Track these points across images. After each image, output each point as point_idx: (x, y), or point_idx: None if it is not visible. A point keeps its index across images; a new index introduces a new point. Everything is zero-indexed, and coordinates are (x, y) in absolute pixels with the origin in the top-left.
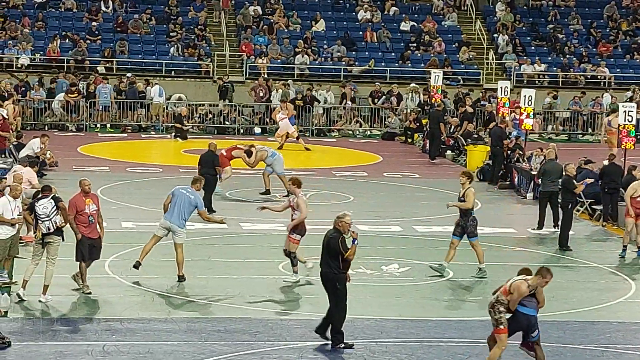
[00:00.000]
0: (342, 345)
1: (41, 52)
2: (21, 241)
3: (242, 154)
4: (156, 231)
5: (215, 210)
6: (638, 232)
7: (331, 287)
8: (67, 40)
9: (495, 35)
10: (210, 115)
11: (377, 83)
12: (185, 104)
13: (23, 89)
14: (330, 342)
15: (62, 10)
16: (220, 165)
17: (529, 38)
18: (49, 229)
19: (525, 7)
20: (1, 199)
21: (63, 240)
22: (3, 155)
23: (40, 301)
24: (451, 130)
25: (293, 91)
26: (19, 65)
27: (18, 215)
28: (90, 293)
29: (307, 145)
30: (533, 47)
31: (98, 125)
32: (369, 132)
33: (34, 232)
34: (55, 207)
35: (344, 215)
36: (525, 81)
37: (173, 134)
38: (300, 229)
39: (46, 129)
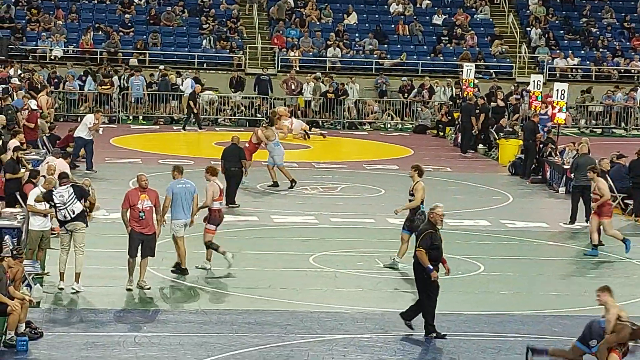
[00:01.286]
0: (434, 334)
1: (74, 44)
2: (53, 232)
3: (262, 130)
4: (176, 233)
5: (239, 204)
6: (593, 230)
7: (420, 278)
8: (100, 32)
9: (528, 28)
10: (242, 108)
11: (403, 79)
12: (208, 92)
13: (56, 80)
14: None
15: (96, 2)
16: (246, 158)
17: (562, 32)
18: (64, 217)
19: (558, 1)
20: (34, 189)
21: (87, 226)
22: (31, 147)
23: (73, 289)
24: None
25: (325, 85)
26: (52, 57)
27: (50, 206)
28: (130, 290)
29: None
30: (566, 41)
31: (130, 117)
32: (400, 126)
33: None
34: (72, 195)
35: (435, 207)
36: (558, 75)
37: (197, 125)
38: (214, 218)
39: (79, 120)
